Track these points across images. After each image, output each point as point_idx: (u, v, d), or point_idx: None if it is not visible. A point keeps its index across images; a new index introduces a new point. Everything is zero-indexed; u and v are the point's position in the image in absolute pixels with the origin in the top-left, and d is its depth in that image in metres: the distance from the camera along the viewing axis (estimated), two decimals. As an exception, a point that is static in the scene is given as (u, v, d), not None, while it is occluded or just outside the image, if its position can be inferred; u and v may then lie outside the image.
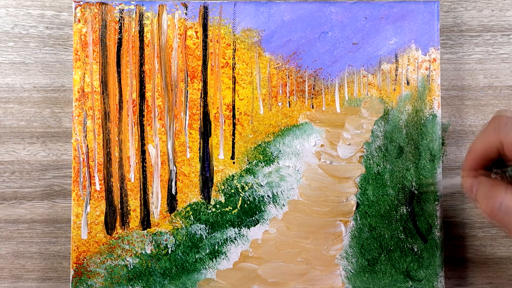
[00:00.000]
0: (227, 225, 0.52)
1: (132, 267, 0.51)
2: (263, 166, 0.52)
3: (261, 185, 0.52)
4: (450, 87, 0.55)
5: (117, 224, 0.52)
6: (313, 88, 0.52)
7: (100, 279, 0.51)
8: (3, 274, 0.54)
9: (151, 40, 0.52)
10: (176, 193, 0.52)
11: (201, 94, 0.52)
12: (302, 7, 0.52)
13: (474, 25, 0.55)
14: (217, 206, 0.52)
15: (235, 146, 0.52)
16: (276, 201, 0.52)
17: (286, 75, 0.52)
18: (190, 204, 0.52)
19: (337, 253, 0.52)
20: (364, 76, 0.52)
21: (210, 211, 0.52)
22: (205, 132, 0.52)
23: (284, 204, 0.52)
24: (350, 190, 0.52)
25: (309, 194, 0.52)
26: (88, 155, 0.52)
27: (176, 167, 0.52)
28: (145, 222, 0.52)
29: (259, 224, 0.52)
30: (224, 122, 0.52)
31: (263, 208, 0.52)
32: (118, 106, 0.52)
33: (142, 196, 0.52)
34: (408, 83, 0.52)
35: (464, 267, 0.54)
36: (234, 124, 0.52)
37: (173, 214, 0.52)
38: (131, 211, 0.52)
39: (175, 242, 0.52)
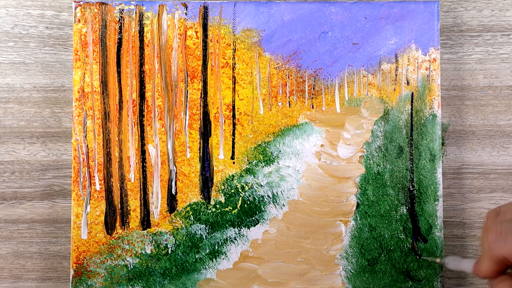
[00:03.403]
0: (227, 225, 0.52)
1: (132, 267, 0.51)
2: (263, 166, 0.52)
3: (261, 185, 0.52)
4: (450, 87, 0.55)
5: (117, 224, 0.52)
6: (313, 88, 0.52)
7: (100, 279, 0.51)
8: (3, 274, 0.54)
9: (151, 40, 0.52)
10: (176, 193, 0.52)
11: (201, 94, 0.52)
12: (302, 7, 0.52)
13: (474, 25, 0.55)
14: (217, 206, 0.52)
15: (235, 146, 0.52)
16: (276, 201, 0.52)
17: (286, 75, 0.52)
18: (190, 204, 0.52)
19: (337, 253, 0.52)
20: (364, 76, 0.52)
21: (210, 211, 0.52)
22: (205, 132, 0.52)
23: (284, 204, 0.52)
24: (350, 190, 0.52)
25: (309, 194, 0.52)
26: (88, 155, 0.52)
27: (176, 167, 0.52)
28: (145, 222, 0.52)
29: (259, 224, 0.52)
30: (224, 122, 0.52)
31: (263, 208, 0.52)
32: (118, 106, 0.52)
33: (142, 196, 0.52)
34: (408, 83, 0.52)
35: (464, 267, 0.54)
36: (234, 124, 0.52)
37: (173, 214, 0.52)
38: (131, 211, 0.52)
39: (175, 242, 0.52)
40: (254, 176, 0.52)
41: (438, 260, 0.47)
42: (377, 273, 0.52)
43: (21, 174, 0.54)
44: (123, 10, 0.52)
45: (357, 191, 0.52)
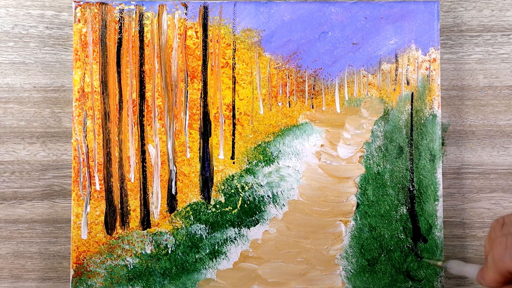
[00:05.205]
0: (227, 225, 0.52)
1: (132, 267, 0.51)
2: (263, 166, 0.52)
3: (261, 185, 0.52)
4: (450, 87, 0.55)
5: (117, 224, 0.52)
6: (313, 88, 0.52)
7: (100, 279, 0.51)
8: (3, 274, 0.54)
9: (151, 40, 0.52)
10: (176, 193, 0.52)
11: (201, 94, 0.52)
12: (302, 7, 0.52)
13: (474, 25, 0.55)
14: (217, 206, 0.52)
15: (235, 146, 0.52)
16: (276, 201, 0.52)
17: (286, 75, 0.52)
18: (190, 204, 0.52)
19: (337, 253, 0.52)
20: (364, 76, 0.52)
21: (210, 211, 0.52)
22: (205, 132, 0.52)
23: (284, 204, 0.52)
24: (350, 190, 0.52)
25: (309, 194, 0.52)
26: (88, 155, 0.52)
27: (176, 167, 0.52)
28: (145, 222, 0.52)
29: (259, 224, 0.52)
30: (224, 122, 0.52)
31: (263, 208, 0.52)
32: (118, 106, 0.52)
33: (142, 196, 0.52)
34: (408, 83, 0.52)
35: (464, 267, 0.54)
36: (234, 124, 0.52)
37: (173, 214, 0.52)
38: (131, 211, 0.52)
39: (175, 242, 0.52)
40: (254, 176, 0.52)
41: (440, 263, 0.47)
42: (377, 273, 0.52)
43: (21, 174, 0.54)
44: (123, 10, 0.52)
45: (357, 191, 0.52)
